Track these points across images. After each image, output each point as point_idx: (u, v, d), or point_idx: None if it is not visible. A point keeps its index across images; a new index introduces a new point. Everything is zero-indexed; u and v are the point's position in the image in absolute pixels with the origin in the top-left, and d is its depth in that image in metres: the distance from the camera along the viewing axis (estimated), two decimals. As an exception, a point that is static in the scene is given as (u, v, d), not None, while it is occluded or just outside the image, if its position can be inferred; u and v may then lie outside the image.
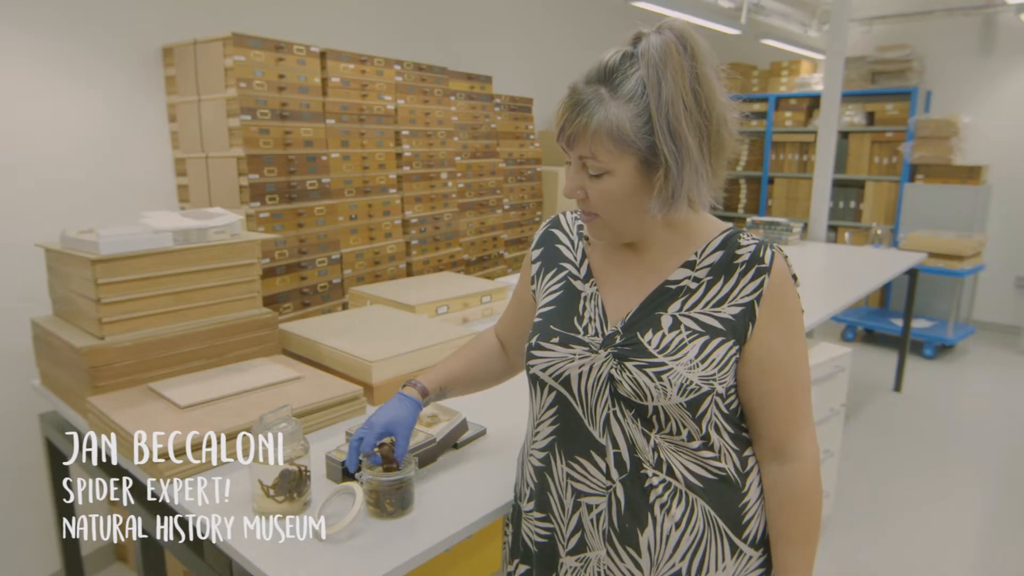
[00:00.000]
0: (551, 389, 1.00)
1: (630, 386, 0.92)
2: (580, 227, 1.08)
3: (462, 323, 2.32)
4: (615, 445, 0.96)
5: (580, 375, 0.97)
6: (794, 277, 0.97)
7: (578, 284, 1.03)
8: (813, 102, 5.74)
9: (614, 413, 0.95)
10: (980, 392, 4.19)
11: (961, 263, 4.52)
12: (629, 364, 0.92)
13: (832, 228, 5.60)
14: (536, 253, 1.11)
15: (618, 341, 0.95)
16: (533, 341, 1.01)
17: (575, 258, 1.06)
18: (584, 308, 1.00)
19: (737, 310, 0.93)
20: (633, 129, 0.85)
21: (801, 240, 4.36)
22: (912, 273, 3.96)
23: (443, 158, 3.01)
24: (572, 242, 1.08)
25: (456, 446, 1.40)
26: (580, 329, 0.99)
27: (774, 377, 0.94)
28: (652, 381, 0.90)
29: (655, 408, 0.93)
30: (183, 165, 2.43)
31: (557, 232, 1.10)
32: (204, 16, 2.52)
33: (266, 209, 2.25)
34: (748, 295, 0.93)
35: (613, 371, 0.94)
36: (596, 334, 0.97)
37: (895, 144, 5.29)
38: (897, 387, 4.14)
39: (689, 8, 3.96)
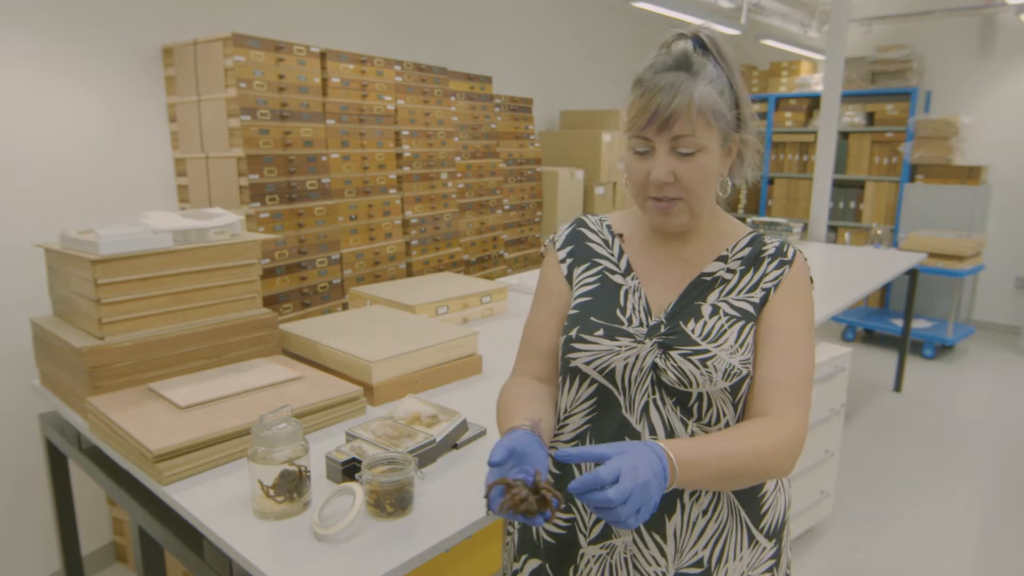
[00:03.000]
0: (592, 382, 1.01)
1: (675, 374, 0.94)
2: (609, 227, 1.11)
3: (462, 323, 2.32)
4: (652, 431, 0.97)
5: (626, 367, 0.97)
6: (811, 279, 1.03)
7: (617, 278, 1.05)
8: (813, 102, 5.74)
9: (654, 400, 0.97)
10: (980, 392, 4.18)
11: (961, 263, 4.52)
12: (674, 353, 0.95)
13: (832, 228, 5.60)
14: (564, 252, 1.11)
15: (663, 331, 0.97)
16: (574, 334, 1.00)
17: (611, 254, 1.08)
18: (626, 300, 1.02)
19: (763, 294, 0.99)
20: (721, 104, 0.94)
21: (801, 240, 4.36)
22: (912, 273, 3.97)
23: (443, 158, 3.01)
24: (606, 240, 1.09)
25: (456, 446, 1.40)
26: (624, 320, 1.00)
27: (776, 348, 0.96)
28: (697, 368, 0.93)
29: (699, 395, 0.95)
30: (183, 165, 2.43)
31: (584, 231, 1.12)
32: (204, 16, 2.52)
33: (266, 209, 2.25)
34: (770, 281, 1.00)
35: (657, 360, 0.96)
36: (641, 324, 0.99)
37: (895, 144, 5.29)
38: (897, 387, 4.14)
39: (689, 8, 3.96)
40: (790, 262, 1.01)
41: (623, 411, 0.98)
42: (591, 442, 1.01)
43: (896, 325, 4.75)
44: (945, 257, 4.53)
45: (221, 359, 1.72)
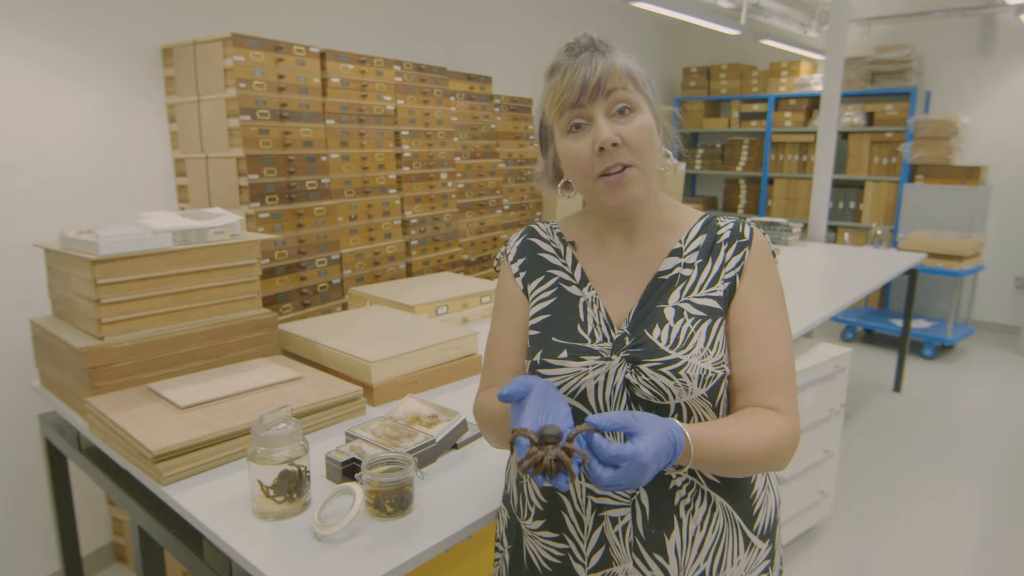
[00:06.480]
0: None
1: (648, 388, 0.91)
2: (560, 234, 1.07)
3: (462, 323, 2.32)
4: None
5: (596, 386, 0.94)
6: (773, 253, 1.00)
7: (573, 290, 1.01)
8: (813, 102, 5.74)
9: None
10: (980, 392, 4.19)
11: (960, 263, 4.52)
12: (644, 367, 0.91)
13: (832, 228, 5.60)
14: (516, 265, 1.07)
15: (628, 343, 0.93)
16: (538, 359, 0.97)
17: (565, 264, 1.04)
18: (586, 313, 0.98)
19: (726, 285, 0.96)
20: (642, 72, 0.95)
21: (801, 240, 4.36)
22: (912, 273, 3.97)
23: (443, 158, 3.02)
24: (558, 249, 1.06)
25: (456, 446, 1.40)
26: (586, 336, 0.96)
27: (754, 342, 0.93)
28: (671, 380, 0.90)
29: (677, 406, 0.92)
30: (183, 165, 2.43)
31: (536, 241, 1.08)
32: (204, 16, 2.52)
33: (266, 209, 2.25)
34: (732, 269, 0.97)
35: (628, 375, 0.92)
36: (604, 339, 0.95)
37: (894, 144, 5.30)
38: (897, 387, 4.14)
39: (689, 8, 3.96)
40: (749, 243, 0.97)
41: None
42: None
43: (896, 325, 4.75)
44: (945, 257, 4.53)
45: (221, 359, 1.72)
